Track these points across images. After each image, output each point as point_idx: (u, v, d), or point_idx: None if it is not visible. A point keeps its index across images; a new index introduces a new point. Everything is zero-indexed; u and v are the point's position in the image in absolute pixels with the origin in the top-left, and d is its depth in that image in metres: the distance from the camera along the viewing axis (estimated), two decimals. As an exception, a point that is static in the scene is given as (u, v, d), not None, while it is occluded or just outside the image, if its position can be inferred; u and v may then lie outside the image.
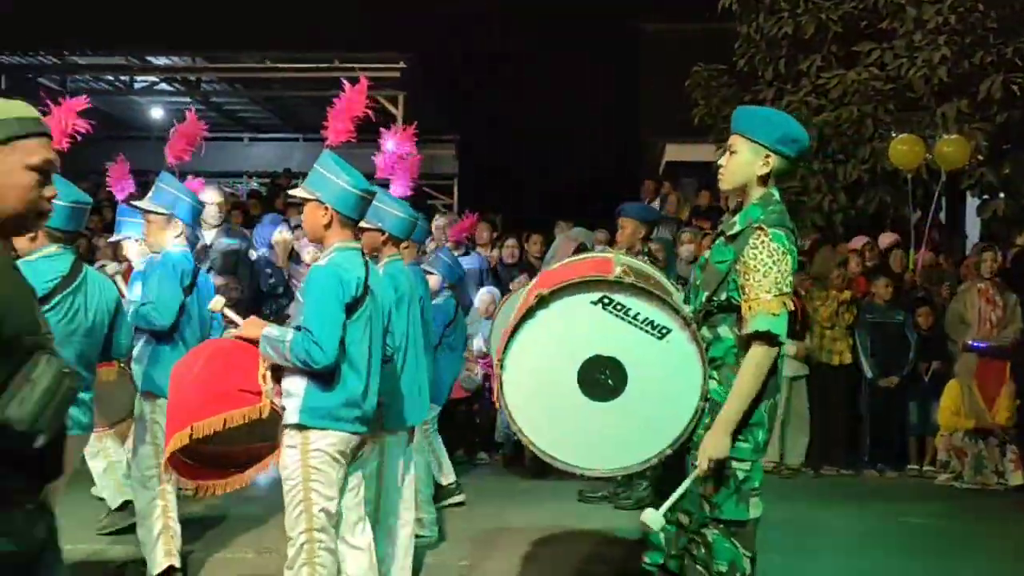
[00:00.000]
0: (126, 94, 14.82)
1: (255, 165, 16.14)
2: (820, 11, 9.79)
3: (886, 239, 9.05)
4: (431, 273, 5.59)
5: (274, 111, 15.51)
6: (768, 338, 2.98)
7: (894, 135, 9.20)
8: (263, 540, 5.02)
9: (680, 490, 3.09)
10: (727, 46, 10.66)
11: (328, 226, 3.41)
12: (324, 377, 3.29)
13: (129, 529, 4.90)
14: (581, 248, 6.69)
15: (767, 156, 3.05)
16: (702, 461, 3.04)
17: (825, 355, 7.64)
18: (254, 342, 3.37)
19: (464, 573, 4.81)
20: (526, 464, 6.72)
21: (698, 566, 3.19)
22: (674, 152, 14.65)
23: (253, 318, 3.51)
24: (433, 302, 5.56)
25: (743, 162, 3.10)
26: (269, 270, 7.17)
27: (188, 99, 15.13)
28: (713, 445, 3.04)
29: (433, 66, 14.15)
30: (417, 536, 4.82)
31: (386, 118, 14.03)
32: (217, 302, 3.67)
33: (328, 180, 3.40)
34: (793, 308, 3.04)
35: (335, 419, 3.32)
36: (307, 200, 3.43)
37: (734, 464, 3.10)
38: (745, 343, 3.05)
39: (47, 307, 3.31)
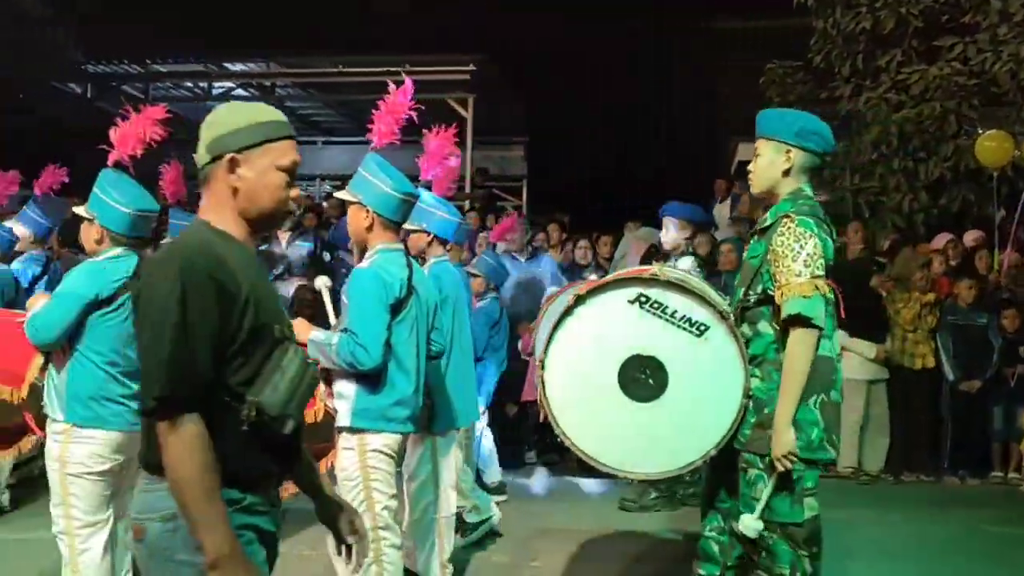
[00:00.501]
0: (204, 100, 15.20)
1: (328, 168, 16.40)
2: (900, 5, 9.52)
3: (970, 237, 8.75)
4: (475, 275, 5.60)
5: (347, 115, 15.74)
6: (803, 322, 2.97)
7: (979, 132, 8.89)
8: (310, 538, 5.04)
9: (768, 491, 3.06)
10: (802, 42, 10.45)
11: (370, 228, 3.45)
12: (373, 379, 3.32)
13: None
14: (651, 249, 6.62)
15: (788, 152, 3.11)
16: (780, 463, 3.00)
17: (907, 359, 7.41)
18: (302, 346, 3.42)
19: (536, 573, 4.81)
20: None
21: (760, 571, 3.15)
22: (747, 151, 14.39)
23: (300, 320, 3.56)
24: (478, 304, 5.56)
25: (767, 162, 3.18)
26: (345, 271, 7.27)
27: (263, 104, 15.46)
28: (779, 444, 3.00)
29: (503, 67, 14.17)
30: (481, 522, 4.96)
31: (455, 120, 14.12)
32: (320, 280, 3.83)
33: (370, 183, 3.43)
34: (827, 292, 3.03)
35: (387, 420, 3.37)
36: (350, 203, 3.48)
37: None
38: (782, 330, 3.05)
39: (112, 307, 3.42)
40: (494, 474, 5.96)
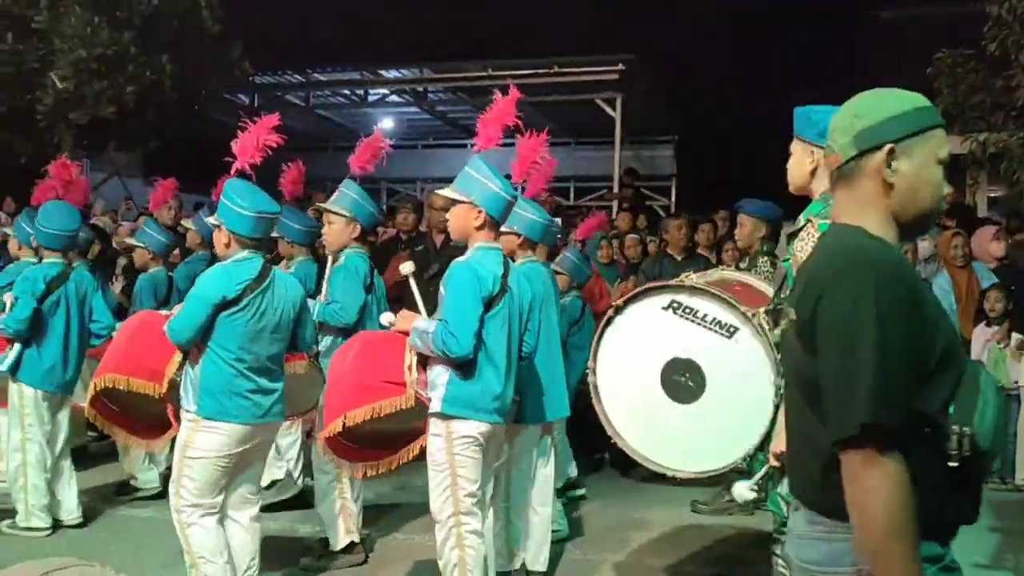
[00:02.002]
0: (360, 106, 15.81)
1: (477, 171, 16.74)
2: (1085, -15, 8.79)
3: None
4: (560, 273, 5.60)
5: (496, 118, 15.99)
6: None
7: None
8: (429, 526, 5.20)
9: (765, 468, 3.15)
10: (973, 30, 9.82)
11: (480, 228, 3.57)
12: (465, 369, 3.47)
13: (275, 507, 5.38)
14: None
15: (812, 151, 3.13)
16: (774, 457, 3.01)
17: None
18: (407, 334, 3.59)
19: (614, 568, 4.80)
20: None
21: (779, 564, 3.21)
22: (913, 146, 13.67)
23: (405, 311, 3.74)
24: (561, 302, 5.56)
25: (795, 162, 3.21)
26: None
27: (415, 109, 15.92)
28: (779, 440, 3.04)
29: (651, 67, 14.02)
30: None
31: (605, 120, 14.13)
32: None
33: (483, 184, 3.56)
34: None
35: (475, 409, 3.49)
36: (459, 202, 3.58)
37: None
38: None
39: (238, 307, 3.63)
40: (571, 470, 5.97)
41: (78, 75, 10.27)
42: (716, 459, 3.40)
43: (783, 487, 3.12)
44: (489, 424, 3.54)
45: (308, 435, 5.74)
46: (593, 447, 7.05)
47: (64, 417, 5.14)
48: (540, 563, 4.38)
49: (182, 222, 7.12)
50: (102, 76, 10.42)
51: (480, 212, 3.54)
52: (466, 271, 3.49)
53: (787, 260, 3.19)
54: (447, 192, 3.65)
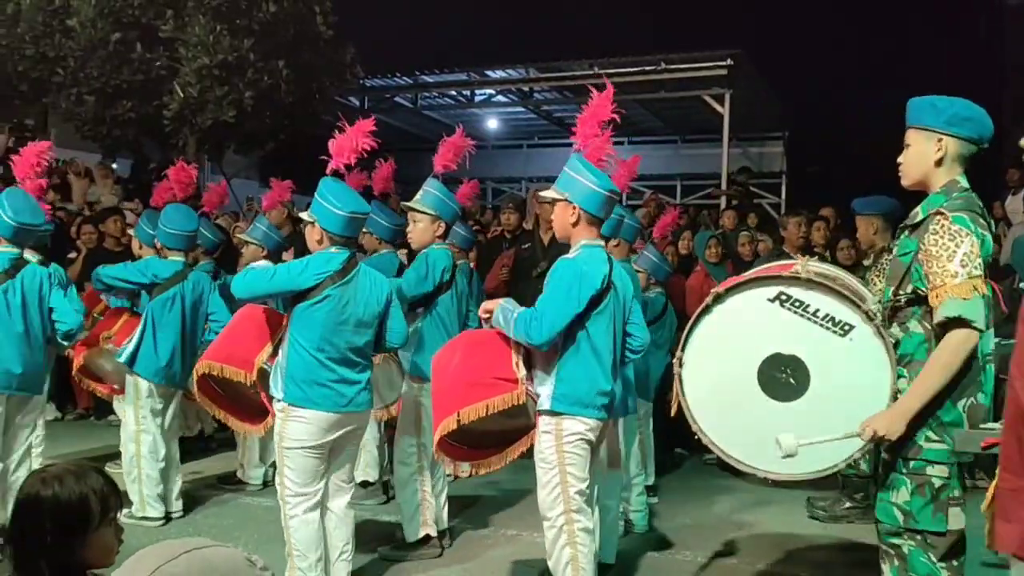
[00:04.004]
0: (467, 107, 15.99)
1: (583, 169, 16.70)
2: None
3: None
4: (640, 271, 5.53)
5: (603, 116, 15.90)
6: (963, 324, 2.79)
7: None
8: (513, 519, 5.29)
9: (825, 438, 2.95)
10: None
11: (576, 224, 3.57)
12: (573, 366, 3.48)
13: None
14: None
15: (939, 140, 2.95)
16: (866, 431, 2.87)
17: None
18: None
19: (686, 565, 4.79)
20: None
21: None
22: (1043, 138, 12.92)
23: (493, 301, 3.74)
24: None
25: (917, 152, 3.00)
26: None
27: (521, 108, 16.01)
28: (886, 422, 2.85)
29: (760, 62, 13.71)
30: None
31: (712, 117, 13.88)
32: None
33: (577, 181, 3.56)
34: (985, 291, 2.82)
35: (584, 405, 3.49)
36: (556, 200, 3.60)
37: (929, 470, 2.91)
38: (938, 335, 2.87)
39: (317, 298, 3.73)
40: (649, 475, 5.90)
41: (201, 81, 10.74)
42: (814, 462, 3.14)
43: (898, 494, 2.97)
44: (596, 420, 3.55)
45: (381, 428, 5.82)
46: (676, 444, 7.06)
47: (172, 409, 5.36)
48: (612, 554, 4.43)
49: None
50: (223, 82, 10.86)
51: (575, 209, 3.55)
52: (573, 269, 3.49)
53: (906, 256, 2.97)
54: (548, 192, 3.69)
